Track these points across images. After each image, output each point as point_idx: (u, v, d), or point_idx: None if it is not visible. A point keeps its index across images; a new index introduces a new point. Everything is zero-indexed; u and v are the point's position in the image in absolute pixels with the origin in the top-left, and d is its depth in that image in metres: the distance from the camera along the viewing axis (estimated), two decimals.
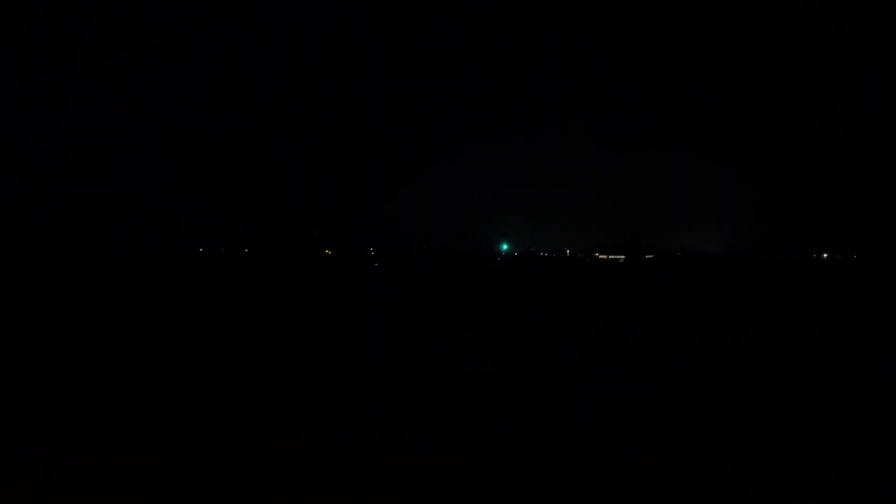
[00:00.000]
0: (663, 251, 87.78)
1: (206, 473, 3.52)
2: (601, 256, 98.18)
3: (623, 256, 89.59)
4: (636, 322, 23.61)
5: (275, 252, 68.40)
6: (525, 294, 37.13)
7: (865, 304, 29.74)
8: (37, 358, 14.28)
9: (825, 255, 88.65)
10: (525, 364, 14.63)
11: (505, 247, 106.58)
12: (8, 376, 12.13)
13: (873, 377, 13.56)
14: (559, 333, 21.34)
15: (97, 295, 27.93)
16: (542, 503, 3.22)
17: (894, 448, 7.44)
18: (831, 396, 11.72)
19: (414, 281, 42.38)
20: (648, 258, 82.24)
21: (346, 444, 5.29)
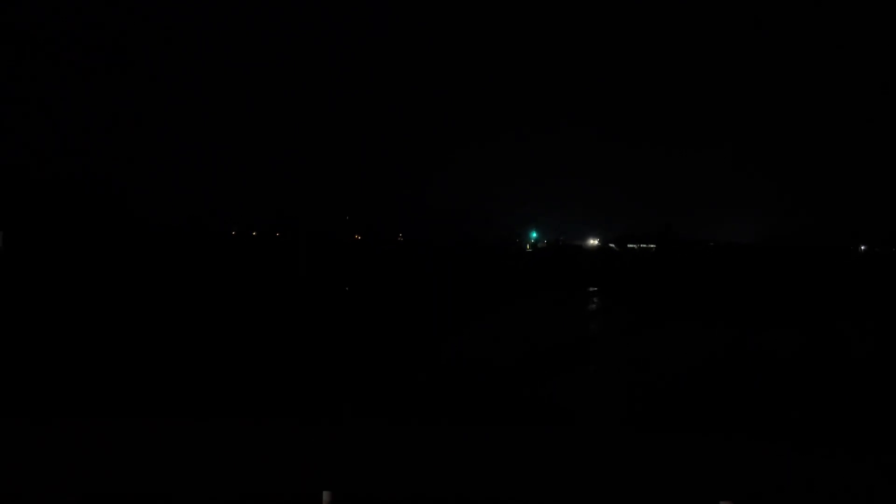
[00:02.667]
0: (695, 241, 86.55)
1: (207, 453, 3.49)
2: (631, 246, 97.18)
3: (654, 245, 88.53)
4: (660, 313, 23.29)
5: (307, 239, 68.85)
6: (547, 282, 36.88)
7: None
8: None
9: (862, 248, 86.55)
10: (538, 352, 14.48)
11: (534, 235, 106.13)
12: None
13: None
14: (575, 320, 21.14)
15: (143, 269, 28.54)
16: (545, 487, 3.13)
17: None
18: (857, 391, 11.35)
19: (433, 269, 42.33)
20: (680, 248, 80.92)
21: (357, 428, 5.20)
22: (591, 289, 34.11)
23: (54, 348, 13.03)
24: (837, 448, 2.90)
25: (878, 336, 18.22)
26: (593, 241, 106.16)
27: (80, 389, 9.96)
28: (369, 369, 12.23)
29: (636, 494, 3.07)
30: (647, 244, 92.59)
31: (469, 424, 5.10)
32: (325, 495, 3.51)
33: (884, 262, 60.55)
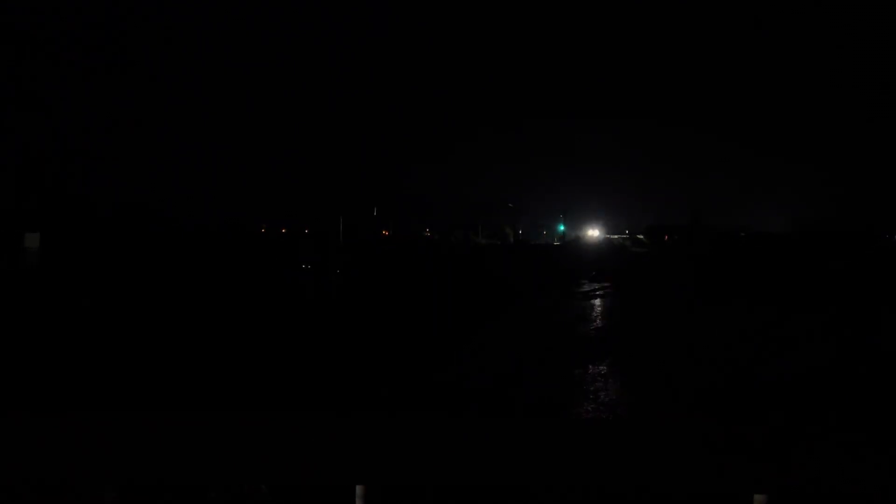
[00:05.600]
0: (726, 231, 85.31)
1: (210, 443, 3.38)
2: (643, 239, 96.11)
3: (687, 235, 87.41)
4: (708, 299, 22.91)
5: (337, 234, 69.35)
6: (569, 277, 36.66)
7: None
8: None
9: None
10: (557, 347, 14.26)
11: (562, 228, 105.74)
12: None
13: None
14: (591, 313, 20.88)
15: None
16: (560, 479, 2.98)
17: None
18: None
19: (452, 269, 42.25)
20: (716, 237, 79.59)
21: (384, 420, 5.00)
22: (629, 279, 33.86)
23: (108, 344, 13.12)
24: (880, 444, 2.68)
25: None
26: (592, 233, 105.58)
27: (122, 382, 10.02)
28: (389, 366, 12.03)
29: (665, 486, 2.88)
30: (678, 235, 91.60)
31: (495, 417, 4.98)
32: (358, 489, 3.40)
33: None
